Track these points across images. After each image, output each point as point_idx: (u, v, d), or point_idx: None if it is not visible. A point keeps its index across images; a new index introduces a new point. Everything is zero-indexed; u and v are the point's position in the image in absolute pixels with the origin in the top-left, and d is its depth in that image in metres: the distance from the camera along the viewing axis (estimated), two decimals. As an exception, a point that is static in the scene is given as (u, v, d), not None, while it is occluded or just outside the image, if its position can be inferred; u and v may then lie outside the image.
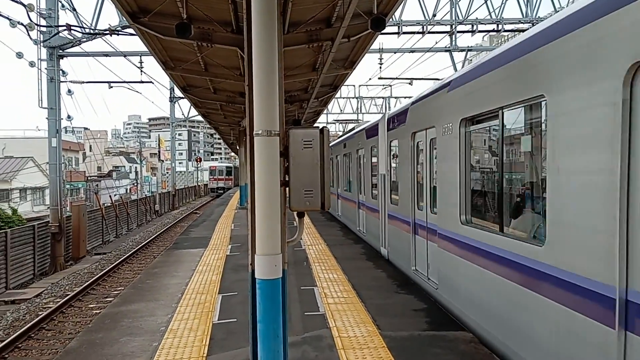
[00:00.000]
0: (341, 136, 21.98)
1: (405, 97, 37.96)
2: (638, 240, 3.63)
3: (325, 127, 4.21)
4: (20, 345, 10.38)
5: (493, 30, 21.83)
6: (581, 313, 4.17)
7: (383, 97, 41.04)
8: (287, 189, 4.24)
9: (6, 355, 9.84)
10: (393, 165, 11.17)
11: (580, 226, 4.23)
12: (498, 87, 5.78)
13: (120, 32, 18.73)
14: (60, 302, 13.04)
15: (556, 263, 4.56)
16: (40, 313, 12.59)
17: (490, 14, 20.84)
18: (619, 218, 3.74)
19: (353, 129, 19.05)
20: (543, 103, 4.93)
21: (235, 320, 7.39)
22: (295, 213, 4.38)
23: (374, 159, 12.82)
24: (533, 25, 19.26)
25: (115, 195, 41.90)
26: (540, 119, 5.19)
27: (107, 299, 13.49)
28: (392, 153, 11.18)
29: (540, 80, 4.82)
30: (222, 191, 57.29)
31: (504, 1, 20.61)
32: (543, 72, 4.78)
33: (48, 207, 23.14)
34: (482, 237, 6.24)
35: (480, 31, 21.54)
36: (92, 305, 13.31)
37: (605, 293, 3.86)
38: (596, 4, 4.01)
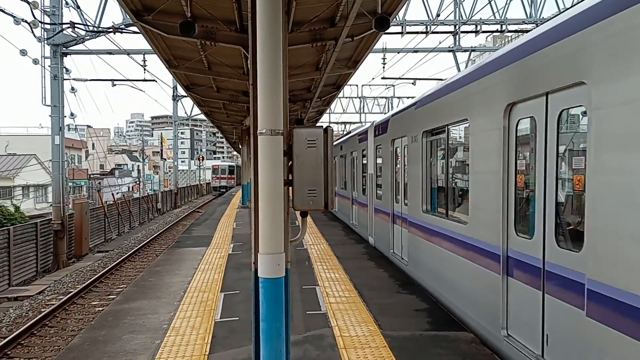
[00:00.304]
0: (339, 139, 22.23)
1: (408, 97, 37.94)
2: (511, 218, 5.72)
3: (329, 126, 4.21)
4: (23, 342, 10.41)
5: (497, 31, 21.80)
6: (483, 266, 6.30)
7: (386, 97, 41.05)
8: (291, 188, 4.24)
9: (9, 352, 9.87)
10: (378, 166, 13.00)
11: (483, 210, 6.38)
12: (445, 110, 7.83)
13: (124, 30, 18.75)
14: (63, 300, 13.07)
15: (472, 235, 6.70)
16: (43, 310, 12.62)
17: (494, 14, 20.81)
18: (502, 203, 5.81)
19: (349, 132, 21.64)
20: (467, 124, 6.98)
21: (237, 318, 7.40)
22: (298, 212, 4.39)
23: (365, 161, 14.67)
24: (537, 25, 19.22)
25: (117, 193, 42.02)
26: (466, 135, 7.28)
27: (110, 297, 13.52)
28: (377, 156, 13.05)
29: (466, 108, 6.92)
30: (224, 190, 58.08)
31: (508, 2, 20.58)
32: (467, 103, 6.88)
33: (50, 205, 23.16)
34: (436, 222, 8.24)
35: (484, 31, 21.49)
36: (94, 303, 13.34)
37: (496, 252, 5.92)
38: (487, 66, 6.32)
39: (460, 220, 7.35)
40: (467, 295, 6.96)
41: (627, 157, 3.76)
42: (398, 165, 10.94)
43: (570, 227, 4.83)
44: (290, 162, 4.20)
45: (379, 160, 12.76)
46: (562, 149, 4.88)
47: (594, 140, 4.12)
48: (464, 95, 6.95)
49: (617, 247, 3.84)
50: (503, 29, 21.01)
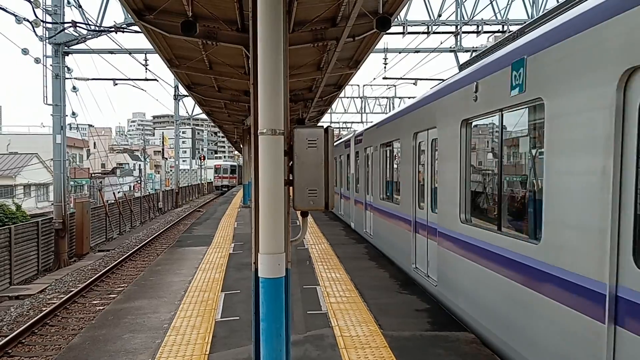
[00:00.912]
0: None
1: (409, 97, 37.90)
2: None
3: (330, 126, 4.21)
4: (23, 341, 10.43)
5: (498, 31, 21.76)
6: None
7: (387, 97, 41.01)
8: (291, 188, 4.24)
9: (10, 351, 9.89)
10: (357, 167, 16.67)
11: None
12: (391, 130, 11.63)
13: (125, 30, 18.76)
14: (64, 298, 13.09)
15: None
16: (44, 309, 12.64)
17: (495, 14, 20.78)
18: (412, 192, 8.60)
19: (340, 137, 26.47)
20: (399, 142, 10.73)
21: (238, 318, 7.40)
22: (299, 212, 4.39)
23: (348, 163, 18.61)
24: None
25: (118, 192, 42.02)
26: (400, 149, 10.70)
27: (111, 296, 13.54)
28: (357, 159, 16.69)
29: (397, 132, 10.88)
30: (226, 189, 59.57)
31: (509, 2, 20.55)
32: (398, 129, 10.79)
33: (52, 204, 23.18)
34: (387, 206, 11.98)
35: (485, 32, 21.46)
36: (95, 302, 13.36)
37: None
38: (403, 110, 9.63)
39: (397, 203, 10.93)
40: None
41: None
42: (368, 167, 14.65)
43: None
44: (291, 162, 4.20)
45: (358, 163, 16.58)
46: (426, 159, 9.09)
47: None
48: (396, 125, 11.12)
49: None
50: (504, 29, 20.99)
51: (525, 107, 5.42)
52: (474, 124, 6.96)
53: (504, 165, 6.08)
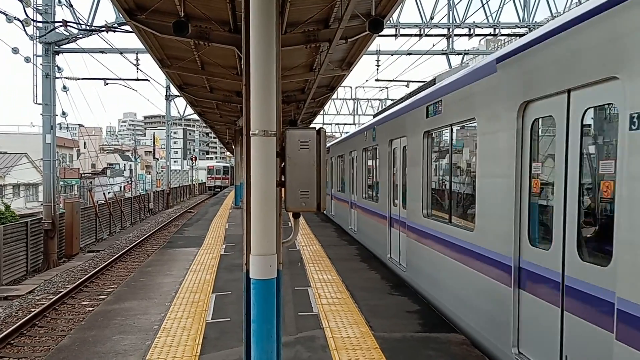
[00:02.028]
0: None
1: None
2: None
3: (322, 128, 4.21)
4: (12, 342, 10.34)
5: (490, 34, 21.89)
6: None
7: (380, 99, 41.08)
8: (283, 189, 4.24)
9: (-3, 352, 9.80)
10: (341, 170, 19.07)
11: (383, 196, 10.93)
12: (352, 143, 15.73)
13: (116, 29, 18.67)
14: (53, 299, 12.99)
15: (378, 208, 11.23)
16: (33, 310, 12.53)
17: (487, 18, 20.89)
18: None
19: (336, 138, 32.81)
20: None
21: (228, 319, 7.38)
22: (290, 213, 4.38)
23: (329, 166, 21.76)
24: (530, 30, 19.36)
25: (109, 192, 41.82)
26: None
27: (100, 297, 13.45)
28: (337, 163, 19.96)
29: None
30: (219, 189, 61.07)
31: (501, 5, 20.67)
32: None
33: (41, 204, 23.02)
34: (368, 204, 13.43)
35: (477, 35, 21.57)
36: (85, 303, 13.26)
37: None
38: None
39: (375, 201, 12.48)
40: None
41: None
42: (348, 169, 16.98)
43: None
44: (283, 163, 4.19)
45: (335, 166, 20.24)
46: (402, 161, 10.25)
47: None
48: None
49: None
50: (496, 32, 21.11)
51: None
52: (432, 134, 8.51)
53: (454, 169, 7.67)
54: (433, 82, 9.02)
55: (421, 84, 11.69)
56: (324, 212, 21.68)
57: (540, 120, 5.15)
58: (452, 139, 7.55)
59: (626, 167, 3.78)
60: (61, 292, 14.05)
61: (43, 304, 12.85)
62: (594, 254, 4.32)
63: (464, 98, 6.86)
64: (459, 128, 7.41)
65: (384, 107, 41.27)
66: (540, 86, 4.94)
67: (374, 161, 12.93)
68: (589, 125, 4.50)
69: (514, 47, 5.56)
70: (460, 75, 7.19)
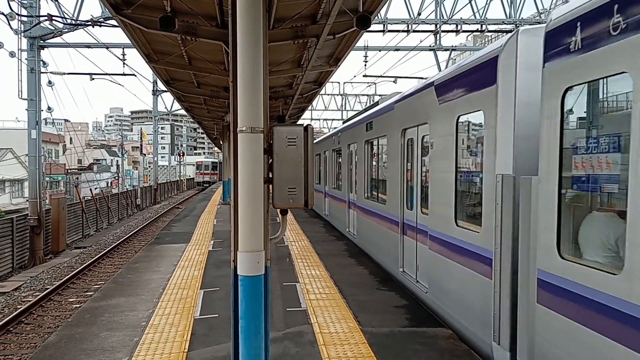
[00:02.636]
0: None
1: (389, 95, 38.01)
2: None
3: (310, 124, 4.22)
4: (-3, 340, 10.25)
5: (477, 31, 21.99)
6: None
7: (367, 95, 41.12)
8: (271, 186, 4.25)
9: (-17, 350, 9.71)
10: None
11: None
12: (322, 145, 20.25)
13: (102, 24, 18.51)
14: (40, 296, 12.89)
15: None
16: (19, 307, 12.42)
17: (474, 14, 20.98)
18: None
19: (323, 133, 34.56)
20: (326, 153, 19.08)
21: (217, 315, 7.39)
22: (278, 210, 4.39)
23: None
24: (517, 26, 19.48)
25: (95, 188, 41.46)
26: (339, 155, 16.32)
27: (87, 294, 13.37)
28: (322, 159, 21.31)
29: (322, 148, 20.16)
30: (207, 185, 61.84)
31: (488, 2, 20.77)
32: (324, 146, 19.66)
33: (27, 200, 22.79)
34: (334, 192, 16.31)
35: (464, 31, 21.67)
36: (71, 300, 13.18)
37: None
38: (331, 135, 18.11)
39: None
40: None
41: None
42: (330, 166, 18.67)
43: None
44: (271, 160, 4.20)
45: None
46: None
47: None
48: (324, 144, 19.00)
49: None
50: (483, 28, 21.21)
51: (326, 153, 12.42)
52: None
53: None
54: (376, 103, 12.82)
55: (412, 78, 13.91)
56: (312, 208, 21.80)
57: (410, 139, 8.80)
58: (378, 147, 11.41)
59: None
60: (47, 288, 13.95)
61: (29, 301, 12.75)
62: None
63: (382, 121, 10.62)
64: (380, 140, 11.08)
65: (372, 102, 41.52)
66: (409, 121, 8.65)
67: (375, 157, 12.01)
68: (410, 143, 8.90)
69: (398, 98, 9.62)
70: (381, 106, 11.16)
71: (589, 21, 3.87)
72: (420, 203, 8.24)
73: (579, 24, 3.98)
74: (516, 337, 5.01)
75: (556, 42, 4.30)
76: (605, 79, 3.93)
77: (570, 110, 4.34)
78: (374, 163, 11.95)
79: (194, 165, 75.85)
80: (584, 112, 4.36)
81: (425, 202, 7.89)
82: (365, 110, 14.55)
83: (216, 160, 68.63)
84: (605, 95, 4.12)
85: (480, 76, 5.90)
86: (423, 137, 8.04)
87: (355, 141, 13.42)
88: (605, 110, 4.23)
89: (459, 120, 6.53)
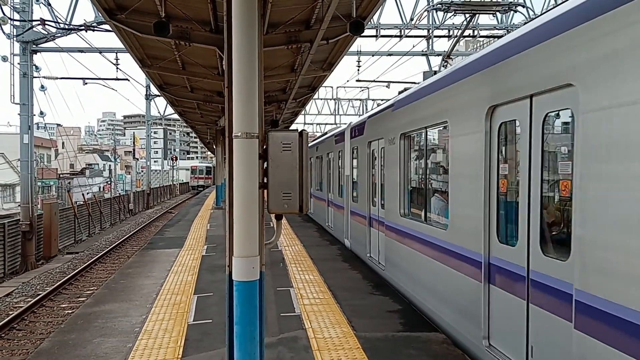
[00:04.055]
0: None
1: (382, 100, 38.13)
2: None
3: (305, 130, 4.24)
4: (-11, 346, 10.17)
5: (469, 36, 22.11)
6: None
7: (360, 99, 41.20)
8: (266, 191, 4.25)
9: (-26, 356, 9.63)
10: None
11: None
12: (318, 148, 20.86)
13: (96, 28, 18.46)
14: (32, 302, 12.79)
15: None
16: (11, 313, 12.32)
17: (466, 20, 21.08)
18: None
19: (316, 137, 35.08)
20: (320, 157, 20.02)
21: (210, 321, 7.37)
22: (273, 215, 4.40)
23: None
24: (508, 32, 19.63)
25: (88, 193, 41.25)
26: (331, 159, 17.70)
27: (80, 299, 13.29)
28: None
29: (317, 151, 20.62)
30: (202, 188, 63.86)
31: (480, 7, 20.87)
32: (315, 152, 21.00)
33: (19, 205, 22.64)
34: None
35: (456, 36, 21.77)
36: (64, 305, 13.09)
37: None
38: (330, 136, 17.84)
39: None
40: None
41: None
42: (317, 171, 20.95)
43: None
44: (266, 165, 4.21)
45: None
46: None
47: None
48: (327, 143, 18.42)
49: None
50: (475, 34, 21.33)
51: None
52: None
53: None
54: (325, 134, 18.72)
55: (404, 83, 15.10)
56: (307, 213, 22.10)
57: (332, 158, 15.61)
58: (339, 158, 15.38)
59: None
60: (40, 294, 13.85)
61: (21, 307, 12.65)
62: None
63: (330, 142, 16.78)
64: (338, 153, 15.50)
65: (365, 107, 41.77)
66: (328, 149, 16.06)
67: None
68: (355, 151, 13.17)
69: (357, 122, 12.85)
70: (335, 132, 16.46)
71: (355, 127, 12.82)
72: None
73: (355, 127, 12.82)
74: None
75: (351, 131, 13.15)
76: (358, 147, 12.37)
77: (355, 154, 12.77)
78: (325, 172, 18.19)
79: (187, 169, 78.16)
80: (356, 155, 12.67)
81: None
82: (322, 136, 21.16)
83: (210, 165, 69.53)
84: (362, 151, 11.78)
85: (342, 137, 14.54)
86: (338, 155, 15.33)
87: (312, 155, 20.24)
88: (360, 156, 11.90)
89: (338, 152, 15.37)
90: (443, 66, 10.24)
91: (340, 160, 14.94)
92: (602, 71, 3.74)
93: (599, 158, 3.76)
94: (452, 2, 9.45)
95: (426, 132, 7.79)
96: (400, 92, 10.05)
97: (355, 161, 12.77)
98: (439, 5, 9.86)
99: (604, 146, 3.72)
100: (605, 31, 3.74)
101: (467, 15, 9.86)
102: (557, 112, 4.54)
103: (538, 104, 4.66)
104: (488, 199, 5.51)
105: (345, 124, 16.55)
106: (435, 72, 9.25)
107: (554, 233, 4.63)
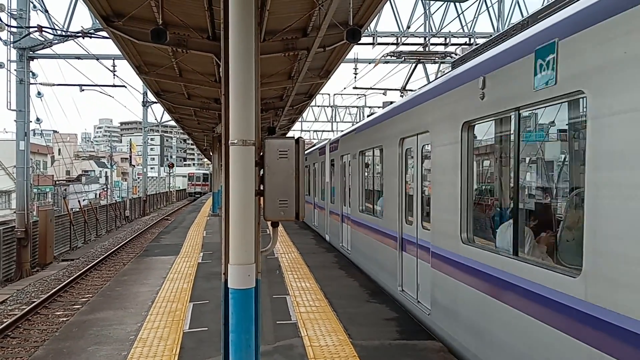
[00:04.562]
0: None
1: (378, 107, 38.17)
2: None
3: (301, 137, 4.24)
4: (-18, 354, 10.10)
5: (465, 44, 22.20)
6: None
7: (357, 106, 41.28)
8: (262, 198, 4.24)
9: (-33, 364, 9.56)
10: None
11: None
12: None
13: (93, 35, 18.47)
14: (26, 310, 12.72)
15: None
16: (5, 320, 12.24)
17: (462, 27, 21.22)
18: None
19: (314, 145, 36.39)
20: (314, 164, 20.25)
21: (206, 329, 7.33)
22: (269, 222, 4.39)
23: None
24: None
25: (84, 200, 41.15)
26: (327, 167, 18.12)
27: (75, 307, 13.22)
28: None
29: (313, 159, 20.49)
30: (199, 195, 64.80)
31: (476, 16, 21.03)
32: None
33: (14, 212, 22.55)
34: (321, 203, 18.01)
35: (453, 44, 21.87)
36: (59, 313, 13.02)
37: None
38: (322, 146, 18.56)
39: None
40: None
41: None
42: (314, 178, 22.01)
43: None
44: (262, 172, 4.20)
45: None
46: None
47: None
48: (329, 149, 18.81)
49: None
50: (471, 41, 21.43)
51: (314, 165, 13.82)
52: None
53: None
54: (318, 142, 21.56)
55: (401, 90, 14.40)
56: (303, 220, 22.34)
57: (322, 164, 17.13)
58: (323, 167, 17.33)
59: None
60: (34, 302, 13.77)
61: (15, 315, 12.58)
62: None
63: (315, 154, 19.04)
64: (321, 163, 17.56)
65: (361, 114, 41.92)
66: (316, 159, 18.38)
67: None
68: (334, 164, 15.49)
69: (334, 139, 15.01)
70: (318, 146, 19.17)
71: (333, 143, 15.63)
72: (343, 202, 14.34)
73: (333, 143, 15.62)
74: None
75: (330, 146, 15.88)
76: (334, 159, 15.10)
77: (333, 165, 15.48)
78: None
79: (184, 176, 78.95)
80: (333, 166, 15.50)
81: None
82: (309, 148, 22.76)
83: (207, 172, 69.87)
84: (337, 162, 14.70)
85: (324, 150, 16.87)
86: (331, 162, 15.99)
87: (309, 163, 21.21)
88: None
89: (321, 163, 17.63)
90: (400, 95, 13.16)
91: (322, 169, 17.86)
92: None
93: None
94: (401, 52, 13.26)
95: (373, 151, 10.90)
96: (369, 115, 14.76)
97: (332, 170, 15.72)
98: (392, 54, 13.76)
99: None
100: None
101: (414, 62, 12.82)
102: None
103: (421, 142, 7.85)
104: (401, 197, 8.67)
105: (342, 131, 18.18)
106: (391, 102, 12.01)
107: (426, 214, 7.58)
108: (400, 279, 8.69)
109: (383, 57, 17.34)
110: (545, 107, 4.58)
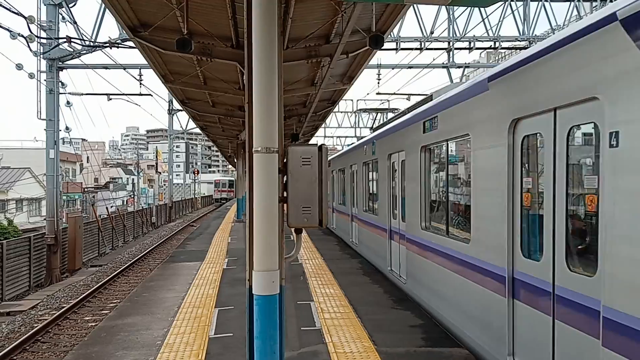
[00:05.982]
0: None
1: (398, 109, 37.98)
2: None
3: (324, 144, 4.25)
4: (15, 358, 10.31)
5: (490, 48, 22.02)
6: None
7: (380, 109, 41.13)
8: (285, 205, 4.27)
9: (0, 368, 9.78)
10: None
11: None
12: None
13: (120, 45, 18.85)
14: (56, 315, 12.97)
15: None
16: (36, 325, 12.51)
17: (487, 31, 21.03)
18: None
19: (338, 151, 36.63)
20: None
21: (231, 334, 7.37)
22: (293, 229, 4.41)
23: None
24: (530, 43, 19.50)
25: (111, 207, 41.85)
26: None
27: (103, 312, 13.43)
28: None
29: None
30: (224, 201, 66.89)
31: (501, 19, 20.83)
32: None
33: (44, 219, 23.06)
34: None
35: (477, 48, 21.72)
36: (87, 318, 13.24)
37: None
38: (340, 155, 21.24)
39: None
40: None
41: None
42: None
43: None
44: (285, 179, 4.23)
45: None
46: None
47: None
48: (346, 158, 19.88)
49: None
50: (496, 45, 21.23)
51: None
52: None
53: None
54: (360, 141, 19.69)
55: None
56: (327, 226, 22.54)
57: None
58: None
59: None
60: (64, 307, 14.04)
61: (46, 320, 12.83)
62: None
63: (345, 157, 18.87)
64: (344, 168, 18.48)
65: (385, 117, 41.73)
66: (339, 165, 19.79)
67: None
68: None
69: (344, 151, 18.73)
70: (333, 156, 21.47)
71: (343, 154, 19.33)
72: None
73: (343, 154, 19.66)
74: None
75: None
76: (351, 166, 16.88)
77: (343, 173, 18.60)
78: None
79: (209, 183, 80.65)
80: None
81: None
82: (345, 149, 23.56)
83: (233, 179, 70.60)
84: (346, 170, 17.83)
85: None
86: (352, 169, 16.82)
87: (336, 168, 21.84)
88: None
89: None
90: (371, 130, 16.99)
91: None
92: None
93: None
94: (371, 108, 18.47)
95: (372, 163, 13.18)
96: (373, 129, 16.61)
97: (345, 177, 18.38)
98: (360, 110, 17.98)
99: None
100: None
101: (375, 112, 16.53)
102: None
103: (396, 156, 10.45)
104: (390, 198, 11.10)
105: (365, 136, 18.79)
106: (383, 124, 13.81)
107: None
108: (389, 261, 11.05)
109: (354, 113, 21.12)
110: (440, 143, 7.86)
